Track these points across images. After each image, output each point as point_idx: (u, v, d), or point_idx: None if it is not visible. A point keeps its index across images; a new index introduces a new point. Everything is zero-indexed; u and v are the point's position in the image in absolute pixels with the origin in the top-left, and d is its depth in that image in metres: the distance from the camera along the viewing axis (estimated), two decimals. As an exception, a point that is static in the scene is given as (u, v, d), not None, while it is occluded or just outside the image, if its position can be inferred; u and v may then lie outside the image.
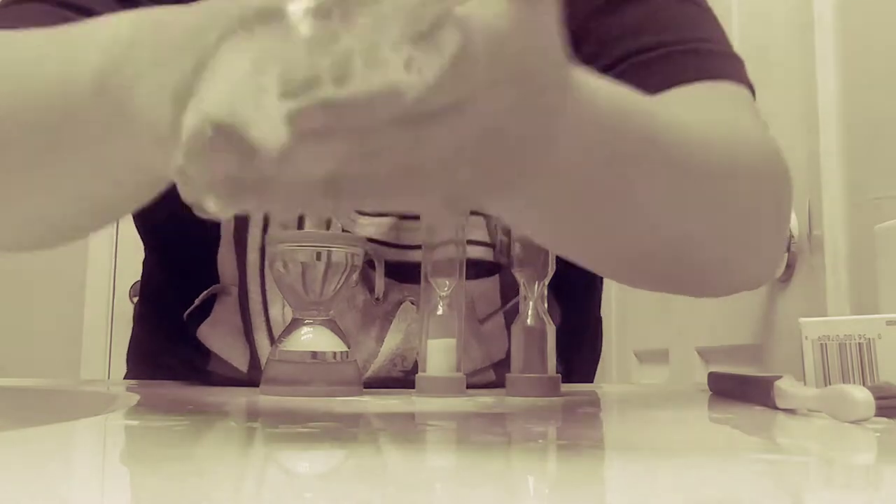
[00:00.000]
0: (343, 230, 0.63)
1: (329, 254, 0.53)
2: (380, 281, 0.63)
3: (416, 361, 0.62)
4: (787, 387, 0.43)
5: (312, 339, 0.54)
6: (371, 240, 0.62)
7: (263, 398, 0.51)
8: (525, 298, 0.57)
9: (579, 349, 0.75)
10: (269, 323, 0.63)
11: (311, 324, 0.55)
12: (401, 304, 0.64)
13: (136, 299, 0.79)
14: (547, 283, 0.57)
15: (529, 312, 0.56)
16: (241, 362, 0.64)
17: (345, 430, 0.36)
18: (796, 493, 0.24)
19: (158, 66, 0.32)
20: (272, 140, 0.25)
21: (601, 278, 0.80)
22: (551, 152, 0.33)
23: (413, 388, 0.56)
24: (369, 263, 0.63)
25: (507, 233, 0.65)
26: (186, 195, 0.28)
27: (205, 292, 0.65)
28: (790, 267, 1.04)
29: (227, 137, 0.26)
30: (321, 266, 0.54)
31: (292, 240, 0.54)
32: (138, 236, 0.75)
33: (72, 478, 0.25)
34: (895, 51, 0.92)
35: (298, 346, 0.54)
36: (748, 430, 0.39)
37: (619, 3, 0.62)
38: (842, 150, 1.00)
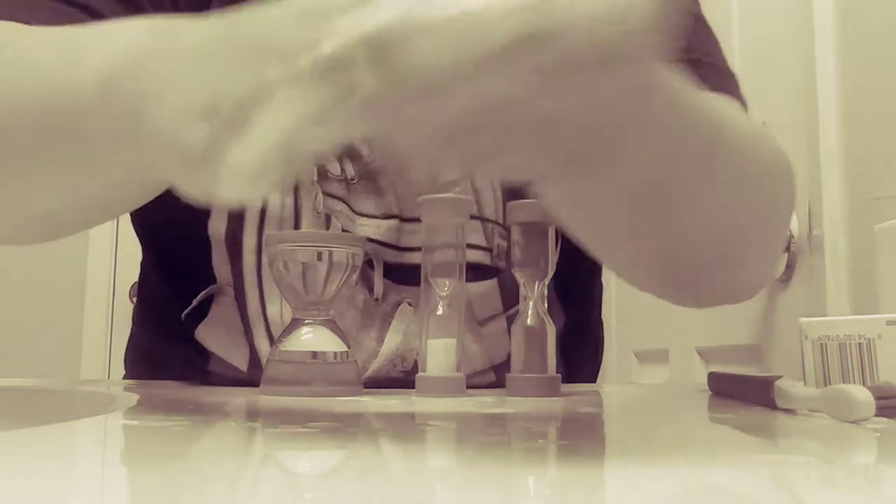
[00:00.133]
0: (343, 230, 0.63)
1: (329, 254, 0.53)
2: (378, 281, 0.63)
3: (415, 362, 0.62)
4: (787, 387, 0.43)
5: (312, 339, 0.54)
6: (371, 240, 0.62)
7: (263, 398, 0.51)
8: (525, 298, 0.57)
9: (581, 352, 0.75)
10: (267, 323, 0.63)
11: (311, 324, 0.55)
12: (399, 305, 0.64)
13: (135, 300, 0.79)
14: (547, 282, 0.57)
15: (529, 312, 0.56)
16: (240, 362, 0.64)
17: (345, 430, 0.36)
18: (796, 493, 0.24)
19: (179, 78, 0.31)
20: (441, 58, 0.25)
21: (601, 282, 0.80)
22: (643, 133, 0.35)
23: (413, 388, 0.56)
24: (368, 264, 0.63)
25: (505, 237, 0.65)
26: (297, 107, 0.28)
27: (202, 293, 0.65)
28: (790, 267, 1.04)
29: (384, 52, 0.25)
30: (321, 266, 0.54)
31: (292, 240, 0.54)
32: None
33: (71, 478, 0.25)
34: (895, 51, 0.92)
35: (298, 346, 0.54)
36: (748, 430, 0.39)
37: None
38: (842, 150, 1.00)
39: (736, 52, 1.15)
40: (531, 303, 0.56)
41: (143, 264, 0.76)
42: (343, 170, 0.63)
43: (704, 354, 1.36)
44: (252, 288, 0.62)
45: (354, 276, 0.56)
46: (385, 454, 0.31)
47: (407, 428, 0.38)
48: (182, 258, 0.68)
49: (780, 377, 0.44)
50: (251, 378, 0.63)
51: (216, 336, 0.65)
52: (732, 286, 0.56)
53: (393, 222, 0.63)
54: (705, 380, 0.59)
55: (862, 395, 0.37)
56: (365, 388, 0.56)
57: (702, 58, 0.60)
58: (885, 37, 0.93)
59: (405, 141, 0.29)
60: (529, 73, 0.26)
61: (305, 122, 0.27)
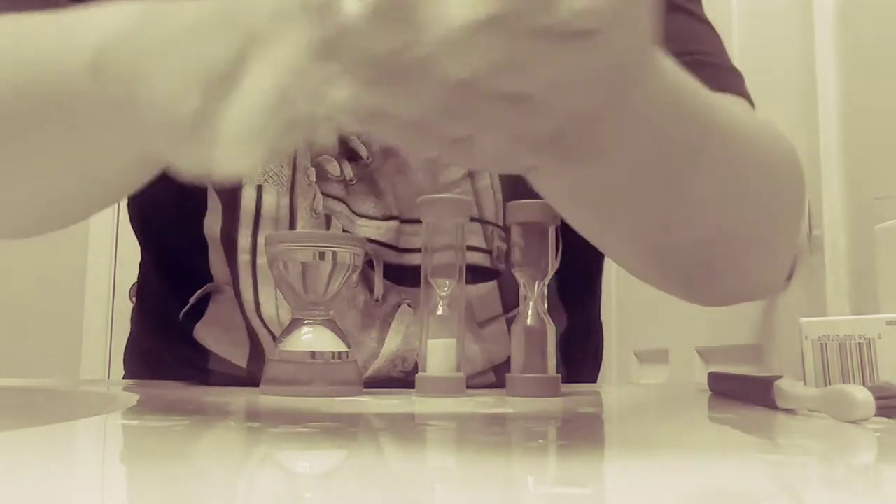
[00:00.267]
0: (343, 231, 0.63)
1: (330, 254, 0.53)
2: (379, 282, 0.63)
3: (416, 362, 0.62)
4: (787, 387, 0.43)
5: (312, 339, 0.54)
6: (371, 240, 0.62)
7: (263, 398, 0.51)
8: (525, 298, 0.57)
9: (582, 353, 0.75)
10: (264, 322, 0.63)
11: (310, 324, 0.55)
12: (399, 306, 0.64)
13: (134, 300, 0.79)
14: (547, 283, 0.57)
15: (529, 312, 0.56)
16: (240, 359, 0.64)
17: (345, 430, 0.36)
18: (796, 493, 0.24)
19: (175, 52, 0.32)
20: (454, 16, 0.26)
21: (600, 282, 0.80)
22: (630, 117, 0.35)
23: (413, 388, 0.56)
24: (369, 264, 0.63)
25: (505, 239, 0.65)
26: (322, 75, 0.28)
27: (199, 291, 0.64)
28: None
29: (400, 10, 0.26)
30: (321, 266, 0.54)
31: (292, 240, 0.54)
32: (137, 236, 0.75)
33: (71, 478, 0.25)
34: (895, 51, 0.92)
35: (298, 346, 0.54)
36: (748, 430, 0.39)
37: None
38: (842, 150, 1.00)
39: (736, 52, 1.15)
40: (531, 303, 0.56)
41: (141, 264, 0.76)
42: (342, 170, 0.63)
43: (704, 354, 1.36)
44: (247, 287, 0.62)
45: (355, 277, 0.56)
46: (385, 454, 0.31)
47: (407, 428, 0.38)
48: (180, 257, 0.68)
49: (780, 377, 0.44)
50: (251, 375, 0.63)
51: (215, 334, 0.65)
52: (736, 286, 0.56)
53: (392, 224, 0.63)
54: (705, 380, 0.59)
55: (862, 395, 0.37)
56: (365, 388, 0.56)
57: (705, 58, 0.60)
58: (885, 37, 0.93)
59: (389, 116, 0.29)
60: (499, 49, 0.27)
61: (292, 80, 0.27)
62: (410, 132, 0.30)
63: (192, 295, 0.65)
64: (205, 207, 0.63)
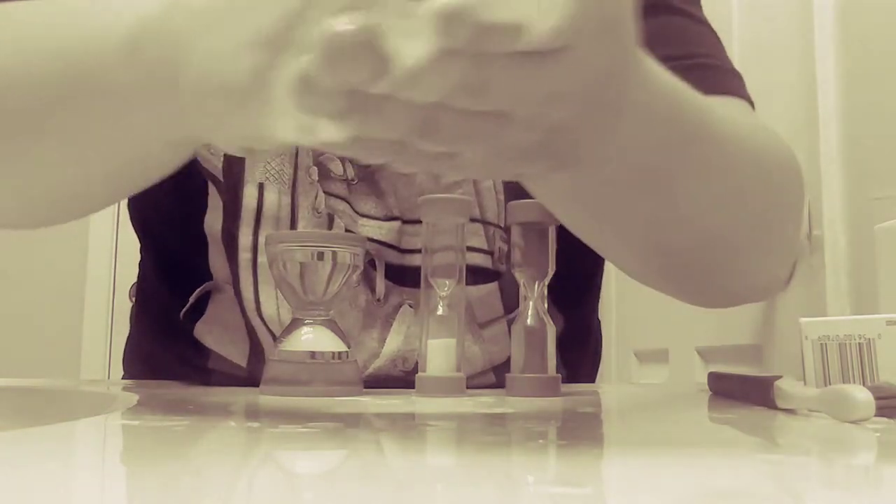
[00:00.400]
0: (346, 230, 0.63)
1: (330, 254, 0.53)
2: (380, 282, 0.63)
3: (416, 362, 0.62)
4: (787, 387, 0.43)
5: (312, 339, 0.54)
6: (373, 240, 0.62)
7: (263, 398, 0.51)
8: (525, 298, 0.57)
9: (580, 353, 0.75)
10: (264, 321, 0.63)
11: (311, 324, 0.55)
12: (400, 306, 0.64)
13: (134, 300, 0.79)
14: (547, 282, 0.57)
15: (529, 312, 0.56)
16: (240, 358, 0.64)
17: (345, 430, 0.36)
18: (796, 493, 0.24)
19: (221, 23, 0.32)
20: (411, 52, 0.27)
21: (600, 282, 0.80)
22: (618, 124, 0.35)
23: (413, 388, 0.56)
24: (371, 264, 0.63)
25: (506, 240, 0.65)
26: (303, 109, 0.29)
27: (198, 290, 0.64)
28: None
29: (364, 46, 0.26)
30: (321, 266, 0.54)
31: (292, 240, 0.54)
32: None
33: (71, 478, 0.25)
34: (895, 51, 0.92)
35: (298, 346, 0.54)
36: (748, 430, 0.39)
37: None
38: (842, 150, 1.00)
39: (736, 52, 1.15)
40: (531, 303, 0.56)
41: (141, 264, 0.76)
42: (344, 169, 0.63)
43: (704, 354, 1.36)
44: (247, 286, 0.62)
45: (355, 277, 0.56)
46: (385, 454, 0.31)
47: (407, 428, 0.38)
48: (180, 257, 0.68)
49: (780, 377, 0.44)
50: (251, 374, 0.63)
51: (214, 333, 0.65)
52: (733, 289, 0.56)
53: (394, 224, 0.63)
54: (705, 380, 0.59)
55: (862, 395, 0.37)
56: (365, 387, 0.56)
57: (705, 60, 0.60)
58: (885, 37, 0.93)
59: (369, 140, 0.30)
60: (465, 72, 0.27)
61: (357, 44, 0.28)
62: (391, 153, 0.30)
63: (191, 294, 0.65)
64: (205, 206, 0.63)
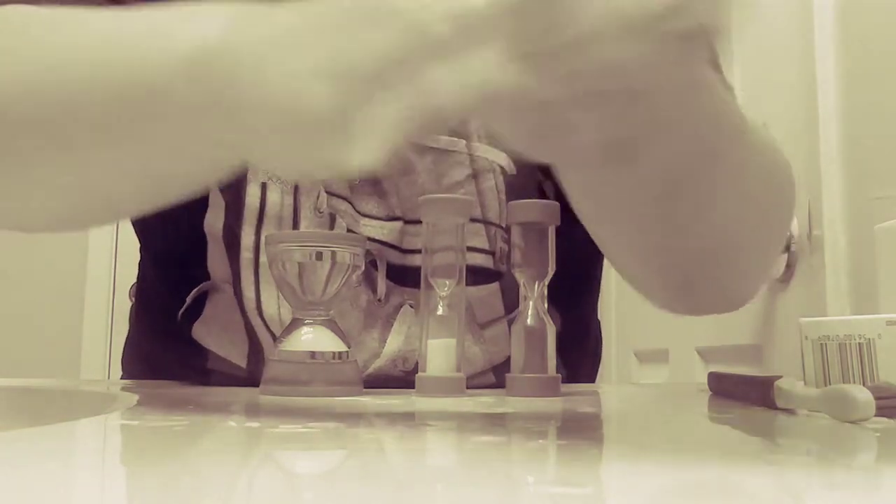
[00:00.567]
0: (348, 230, 0.63)
1: (329, 254, 0.53)
2: (381, 282, 0.63)
3: (417, 362, 0.62)
4: (787, 387, 0.43)
5: (312, 339, 0.54)
6: (374, 240, 0.62)
7: (263, 398, 0.51)
8: (525, 298, 0.57)
9: (581, 355, 0.75)
10: (264, 320, 0.63)
11: (311, 324, 0.55)
12: (401, 307, 0.64)
13: (133, 300, 0.79)
14: (547, 282, 0.57)
15: (529, 312, 0.56)
16: (239, 358, 0.64)
17: (345, 430, 0.36)
18: (796, 493, 0.24)
19: (297, 46, 0.32)
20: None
21: (599, 283, 0.80)
22: (682, 125, 0.36)
23: (413, 388, 0.56)
24: (372, 264, 0.63)
25: (507, 240, 0.65)
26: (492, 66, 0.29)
27: (194, 290, 0.64)
28: (790, 267, 1.04)
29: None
30: (321, 266, 0.54)
31: (291, 239, 0.54)
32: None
33: (71, 478, 0.25)
34: (895, 51, 0.92)
35: (298, 346, 0.54)
36: (748, 430, 0.39)
37: None
38: (842, 150, 1.00)
39: (736, 52, 1.15)
40: (531, 303, 0.56)
41: (141, 264, 0.76)
42: None
43: (704, 354, 1.36)
44: (249, 286, 0.62)
45: (355, 277, 0.56)
46: (385, 454, 0.31)
47: (407, 428, 0.38)
48: (179, 256, 0.68)
49: (780, 377, 0.44)
50: (250, 374, 0.63)
51: (213, 334, 0.65)
52: (728, 294, 0.57)
53: (396, 224, 0.63)
54: (705, 380, 0.59)
55: (862, 395, 0.37)
56: (365, 387, 0.56)
57: None
58: (886, 37, 0.93)
59: (519, 95, 0.30)
60: (668, 41, 0.28)
61: (449, 86, 0.28)
62: (526, 115, 0.31)
63: (189, 294, 0.65)
64: (205, 206, 0.63)
